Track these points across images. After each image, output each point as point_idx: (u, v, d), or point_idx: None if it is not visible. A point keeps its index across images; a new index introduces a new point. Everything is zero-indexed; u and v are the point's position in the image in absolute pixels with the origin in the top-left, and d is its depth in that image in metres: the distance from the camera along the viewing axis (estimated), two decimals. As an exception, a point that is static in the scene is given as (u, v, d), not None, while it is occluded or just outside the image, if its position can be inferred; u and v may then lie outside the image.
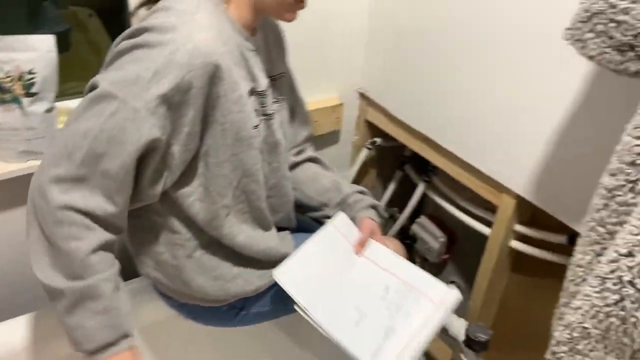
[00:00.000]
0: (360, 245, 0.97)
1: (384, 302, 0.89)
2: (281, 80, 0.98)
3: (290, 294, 0.84)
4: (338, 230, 0.97)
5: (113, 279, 0.72)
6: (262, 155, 0.88)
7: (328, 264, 0.92)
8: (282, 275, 0.86)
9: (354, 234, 0.98)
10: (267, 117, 0.89)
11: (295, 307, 0.84)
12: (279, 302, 0.96)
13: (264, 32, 0.92)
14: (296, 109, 1.06)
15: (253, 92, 0.84)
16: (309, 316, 0.83)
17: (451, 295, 0.89)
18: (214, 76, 0.74)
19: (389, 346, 0.82)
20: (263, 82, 0.87)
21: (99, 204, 0.70)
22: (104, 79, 0.70)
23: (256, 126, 0.84)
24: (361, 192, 1.05)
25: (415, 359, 0.80)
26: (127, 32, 0.74)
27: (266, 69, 0.90)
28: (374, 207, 1.03)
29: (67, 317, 0.69)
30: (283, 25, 1.01)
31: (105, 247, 0.71)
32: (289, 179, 1.00)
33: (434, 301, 0.88)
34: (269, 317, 1.00)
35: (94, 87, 0.70)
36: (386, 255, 0.96)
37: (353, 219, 1.00)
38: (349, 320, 0.85)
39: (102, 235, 0.71)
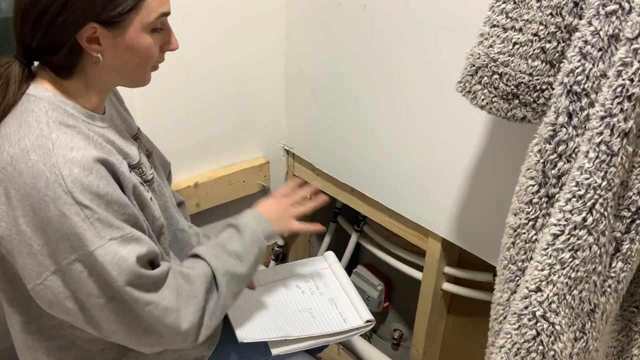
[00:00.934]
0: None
1: (306, 293, 1.08)
2: (140, 132, 0.94)
3: (263, 340, 0.95)
4: None
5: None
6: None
7: (254, 307, 1.03)
8: (245, 335, 0.95)
9: None
10: (149, 182, 0.85)
11: (271, 346, 0.95)
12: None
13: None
14: (155, 150, 1.01)
15: (130, 168, 0.80)
16: (286, 341, 0.96)
17: (329, 255, 1.18)
18: None
19: (344, 309, 1.04)
20: (133, 152, 0.83)
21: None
22: None
23: (151, 198, 0.82)
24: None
25: (361, 303, 1.06)
26: None
27: (127, 130, 0.88)
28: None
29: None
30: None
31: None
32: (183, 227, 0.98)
33: (326, 267, 1.16)
34: None
35: None
36: (270, 271, 1.14)
37: None
38: (307, 319, 1.02)
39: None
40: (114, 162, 0.72)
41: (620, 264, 0.63)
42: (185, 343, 0.80)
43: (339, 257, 1.57)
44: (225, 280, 0.84)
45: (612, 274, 0.63)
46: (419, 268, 1.29)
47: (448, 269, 1.20)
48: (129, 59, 0.75)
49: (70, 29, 0.69)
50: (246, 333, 0.95)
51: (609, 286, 0.64)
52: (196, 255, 0.86)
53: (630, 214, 0.60)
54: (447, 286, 1.22)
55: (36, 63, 0.75)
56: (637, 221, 0.61)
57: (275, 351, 0.95)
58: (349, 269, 1.57)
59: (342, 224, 1.58)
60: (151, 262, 0.75)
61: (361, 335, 1.41)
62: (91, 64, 0.73)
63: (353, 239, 1.51)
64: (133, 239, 0.72)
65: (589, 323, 0.65)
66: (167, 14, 0.75)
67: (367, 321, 1.01)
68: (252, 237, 0.91)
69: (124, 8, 0.70)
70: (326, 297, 1.07)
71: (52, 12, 0.68)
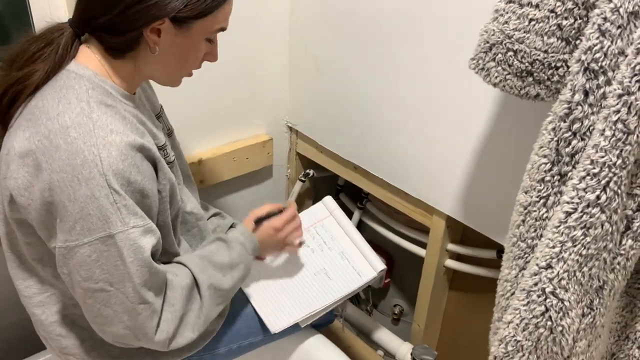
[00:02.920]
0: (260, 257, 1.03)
1: (316, 252, 1.09)
2: (162, 110, 0.96)
3: (294, 322, 0.98)
4: None
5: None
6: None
7: (269, 286, 1.04)
8: (276, 324, 0.98)
9: None
10: (171, 164, 0.87)
11: (301, 323, 1.00)
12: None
13: None
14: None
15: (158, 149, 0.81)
16: (310, 313, 1.00)
17: (328, 201, 1.18)
18: None
19: (356, 262, 1.07)
20: (160, 134, 0.85)
21: None
22: None
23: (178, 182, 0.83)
24: (215, 215, 1.10)
25: (370, 251, 1.09)
26: None
27: (152, 109, 0.90)
28: (232, 225, 1.08)
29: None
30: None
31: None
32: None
33: (327, 215, 1.15)
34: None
35: None
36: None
37: None
38: (325, 282, 1.04)
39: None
40: (151, 148, 0.74)
41: (630, 242, 0.63)
42: (152, 347, 0.79)
43: (341, 234, 1.58)
44: (209, 293, 0.84)
45: (622, 252, 0.64)
46: (421, 245, 1.30)
47: (451, 246, 1.21)
48: (179, 58, 0.78)
49: (146, 18, 0.70)
50: (276, 323, 0.98)
51: (619, 263, 0.64)
52: (181, 263, 0.85)
53: (642, 192, 0.61)
54: (450, 263, 1.23)
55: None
56: (649, 199, 0.61)
57: (304, 324, 1.00)
58: (351, 246, 1.59)
59: (345, 201, 1.59)
60: (153, 254, 0.75)
61: (362, 310, 1.43)
62: (144, 52, 0.75)
63: (355, 216, 1.52)
64: (151, 230, 0.74)
65: (597, 299, 0.66)
66: (224, 29, 0.80)
67: (380, 271, 1.05)
68: (240, 254, 0.91)
69: (200, 12, 0.73)
70: (335, 251, 1.09)
71: None
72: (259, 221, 0.97)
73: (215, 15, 0.75)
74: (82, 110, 0.69)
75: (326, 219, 1.13)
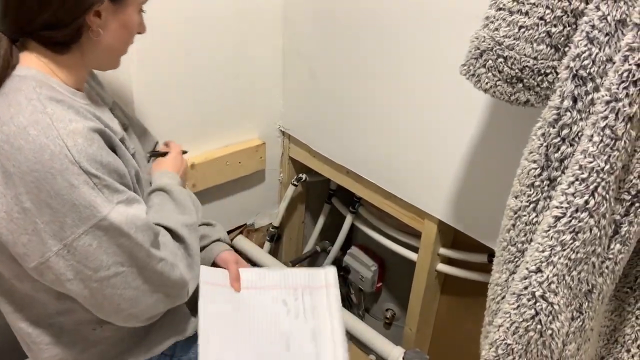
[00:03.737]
0: (237, 281, 0.97)
1: (291, 314, 0.96)
2: (114, 104, 0.94)
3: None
4: (208, 283, 0.95)
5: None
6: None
7: (229, 321, 0.93)
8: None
9: (223, 275, 0.99)
10: (132, 156, 0.85)
11: None
12: None
13: None
14: (133, 121, 1.02)
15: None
16: None
17: (330, 273, 1.01)
18: None
19: (321, 349, 0.92)
20: (116, 126, 0.84)
21: None
22: None
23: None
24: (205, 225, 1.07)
25: (344, 342, 0.93)
26: None
27: (106, 103, 0.89)
28: (219, 239, 1.04)
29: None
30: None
31: None
32: None
33: (321, 286, 1.00)
34: None
35: None
36: (261, 275, 1.01)
37: (209, 258, 1.01)
38: (281, 349, 0.91)
39: None
40: (111, 134, 0.74)
41: (618, 246, 0.64)
42: (184, 298, 0.83)
43: (333, 238, 1.59)
44: (187, 231, 0.86)
45: (610, 256, 0.65)
46: (413, 249, 1.31)
47: (443, 250, 1.21)
48: (121, 35, 0.78)
49: (86, 4, 0.70)
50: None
51: (607, 267, 0.65)
52: None
53: (630, 197, 0.62)
54: (442, 267, 1.24)
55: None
56: (637, 204, 0.62)
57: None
58: (344, 250, 1.59)
59: (337, 206, 1.59)
60: None
61: (355, 314, 1.43)
62: (89, 40, 0.74)
63: (348, 220, 1.52)
64: (136, 199, 0.75)
65: (586, 303, 0.67)
66: None
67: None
68: (181, 191, 0.92)
69: None
70: (309, 326, 0.95)
71: None
72: (153, 155, 1.02)
73: None
74: (35, 107, 0.68)
75: (318, 289, 1.01)
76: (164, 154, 1.02)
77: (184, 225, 0.86)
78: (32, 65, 0.72)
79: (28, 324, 0.81)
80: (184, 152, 1.06)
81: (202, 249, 0.99)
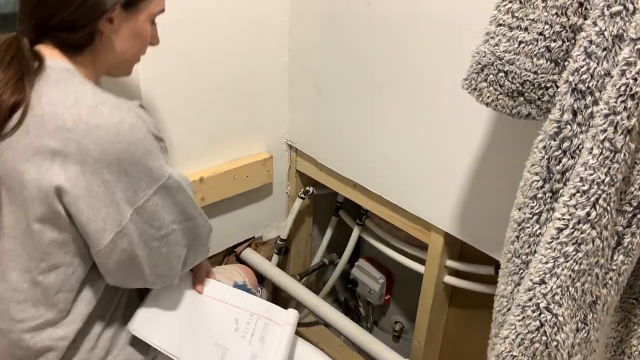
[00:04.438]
0: (200, 285, 1.00)
1: (238, 333, 0.96)
2: None
3: (153, 345, 0.86)
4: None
5: None
6: None
7: (177, 308, 0.95)
8: (140, 326, 0.86)
9: (189, 276, 1.02)
10: None
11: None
12: None
13: None
14: None
15: None
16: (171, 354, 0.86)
17: (291, 315, 1.03)
18: None
19: None
20: None
21: None
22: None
23: None
24: None
25: None
26: None
27: None
28: None
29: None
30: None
31: None
32: None
33: (279, 323, 1.01)
34: None
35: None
36: (228, 291, 1.03)
37: None
38: (215, 357, 0.91)
39: None
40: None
41: (621, 257, 0.64)
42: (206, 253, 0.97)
43: (341, 250, 1.60)
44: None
45: (614, 267, 0.65)
46: (420, 261, 1.31)
47: (450, 262, 1.22)
48: (132, 43, 0.81)
49: (101, 9, 0.73)
50: (142, 327, 0.86)
51: (611, 278, 0.66)
52: None
53: (631, 208, 0.62)
54: (449, 279, 1.24)
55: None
56: (638, 215, 0.62)
57: (139, 324, 0.86)
58: (351, 262, 1.60)
59: (344, 218, 1.60)
60: None
61: (363, 327, 1.43)
62: (102, 44, 0.78)
63: (355, 232, 1.53)
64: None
65: (591, 314, 0.67)
66: (164, 10, 0.84)
67: None
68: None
69: None
70: (250, 350, 0.94)
71: None
72: None
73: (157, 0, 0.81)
74: (94, 90, 0.74)
75: (275, 324, 1.00)
76: None
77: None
78: (65, 60, 0.76)
79: (32, 334, 0.79)
80: None
81: None
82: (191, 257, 0.90)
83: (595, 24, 0.58)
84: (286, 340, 0.98)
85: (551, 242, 0.64)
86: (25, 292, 0.77)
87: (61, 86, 0.73)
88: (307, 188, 1.54)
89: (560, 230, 0.62)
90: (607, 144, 0.57)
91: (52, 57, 0.76)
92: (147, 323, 0.88)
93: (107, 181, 0.71)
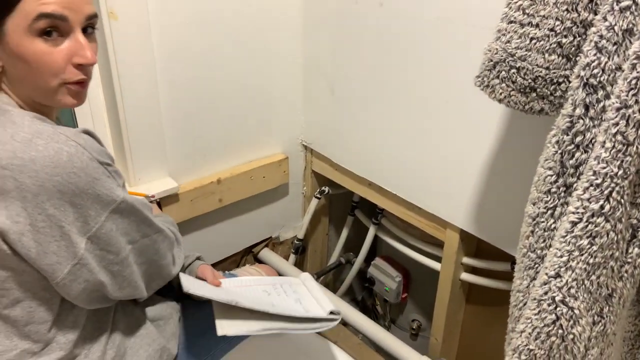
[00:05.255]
0: (216, 280, 0.99)
1: (272, 296, 1.01)
2: None
3: (206, 297, 0.89)
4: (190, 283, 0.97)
5: None
6: None
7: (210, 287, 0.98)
8: (226, 328, 0.87)
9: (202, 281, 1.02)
10: None
11: (217, 315, 0.89)
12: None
13: None
14: None
15: None
16: (234, 312, 0.89)
17: (305, 275, 1.09)
18: None
19: (308, 306, 0.97)
20: None
21: None
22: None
23: None
24: None
25: (327, 302, 0.97)
26: None
27: None
28: (199, 258, 1.05)
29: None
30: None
31: None
32: None
33: (299, 283, 1.07)
34: None
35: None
36: (240, 279, 1.07)
37: (192, 272, 1.02)
38: (265, 299, 0.97)
39: None
40: (95, 134, 0.75)
41: (636, 250, 0.65)
42: (171, 276, 0.91)
43: (357, 249, 1.61)
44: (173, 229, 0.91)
45: (629, 260, 0.65)
46: (437, 259, 1.32)
47: (466, 259, 1.22)
48: (22, 67, 0.70)
49: None
50: (191, 284, 0.90)
51: (626, 271, 0.66)
52: None
53: (646, 201, 0.62)
54: (465, 276, 1.24)
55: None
56: (653, 208, 0.63)
57: (221, 325, 0.86)
58: (367, 261, 1.61)
59: (360, 217, 1.61)
60: None
61: (381, 325, 1.44)
62: (2, 74, 0.72)
63: (371, 231, 1.54)
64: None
65: (607, 307, 0.68)
66: (48, 15, 0.67)
67: (331, 312, 0.94)
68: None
69: (5, 9, 0.66)
70: (292, 298, 1.00)
71: None
72: None
73: (22, 5, 0.66)
74: (32, 121, 0.69)
75: (295, 285, 1.07)
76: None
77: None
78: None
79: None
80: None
81: (185, 267, 1.01)
82: (157, 271, 0.87)
83: (605, 19, 0.59)
84: (316, 287, 1.04)
85: (566, 235, 0.64)
86: None
87: (0, 121, 0.69)
88: (323, 188, 1.55)
89: (574, 223, 0.63)
90: (619, 137, 0.58)
91: None
92: (192, 283, 0.92)
93: (52, 215, 0.68)
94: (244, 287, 1.04)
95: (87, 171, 0.69)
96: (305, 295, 1.02)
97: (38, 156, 0.67)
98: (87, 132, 0.74)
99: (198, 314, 0.99)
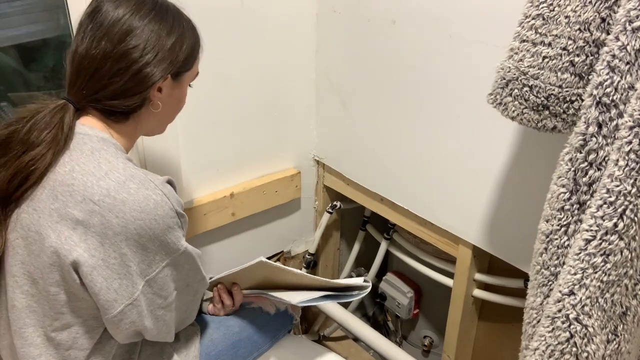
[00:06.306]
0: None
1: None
2: None
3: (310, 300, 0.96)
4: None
5: None
6: None
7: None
8: (298, 299, 0.97)
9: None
10: None
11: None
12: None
13: None
14: None
15: None
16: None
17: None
18: None
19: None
20: None
21: None
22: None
23: None
24: None
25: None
26: None
27: None
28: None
29: None
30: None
31: None
32: None
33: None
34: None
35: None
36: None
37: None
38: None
39: None
40: (174, 182, 0.83)
41: (651, 268, 0.65)
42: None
43: (369, 264, 1.61)
44: None
45: (644, 278, 0.65)
46: (449, 275, 1.32)
47: (478, 276, 1.22)
48: (174, 108, 0.86)
49: (153, 78, 0.76)
50: (297, 297, 0.98)
51: (641, 289, 0.66)
52: None
53: (660, 219, 0.62)
54: (478, 292, 1.24)
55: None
56: (668, 226, 0.63)
57: (297, 298, 0.96)
58: (379, 276, 1.60)
59: (371, 232, 1.61)
60: None
61: (392, 341, 1.43)
62: (147, 111, 0.81)
63: (383, 246, 1.54)
64: None
65: (621, 325, 0.67)
66: (198, 73, 0.88)
67: (365, 281, 1.04)
68: None
69: (192, 62, 0.83)
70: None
71: (143, 62, 0.75)
72: None
73: (197, 63, 0.85)
74: (125, 165, 0.75)
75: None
76: None
77: None
78: (103, 129, 0.79)
79: None
80: None
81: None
82: (189, 316, 0.92)
83: (617, 38, 0.59)
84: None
85: (579, 253, 0.64)
86: (40, 348, 0.78)
87: (95, 157, 0.74)
88: (335, 203, 1.56)
89: (588, 241, 0.63)
90: (632, 156, 0.58)
91: (92, 124, 0.78)
92: (294, 295, 0.99)
93: (125, 254, 0.72)
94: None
95: (166, 220, 0.74)
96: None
97: (129, 199, 0.72)
98: (170, 183, 0.80)
99: (216, 333, 1.00)
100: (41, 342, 0.78)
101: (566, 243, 0.70)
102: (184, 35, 0.80)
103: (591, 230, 0.63)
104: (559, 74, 0.69)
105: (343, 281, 1.03)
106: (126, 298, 0.75)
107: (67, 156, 0.74)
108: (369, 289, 1.03)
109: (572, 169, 0.67)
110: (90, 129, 0.77)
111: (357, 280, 1.04)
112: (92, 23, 0.75)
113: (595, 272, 0.63)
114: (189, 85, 0.88)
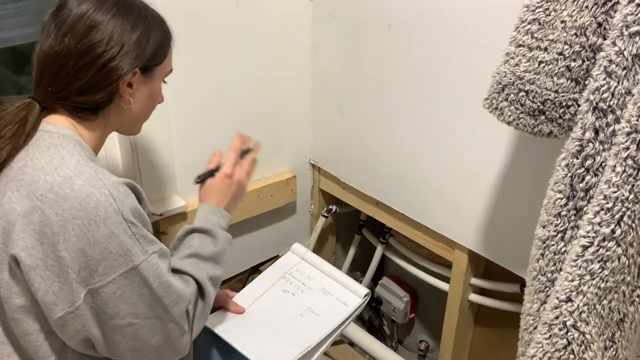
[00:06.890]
0: (237, 307, 1.05)
1: (296, 295, 1.07)
2: None
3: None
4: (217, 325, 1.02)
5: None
6: None
7: (243, 320, 1.04)
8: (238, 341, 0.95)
9: (223, 314, 1.05)
10: None
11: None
12: None
13: None
14: None
15: None
16: (310, 352, 0.95)
17: (296, 249, 1.16)
18: None
19: (339, 294, 1.06)
20: None
21: None
22: None
23: None
24: None
25: (351, 281, 1.09)
26: None
27: None
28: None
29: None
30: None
31: None
32: None
33: (298, 260, 1.14)
34: None
35: None
36: (251, 288, 1.10)
37: None
38: (312, 319, 1.02)
39: None
40: (140, 189, 0.77)
41: (649, 275, 0.64)
42: (182, 354, 0.82)
43: (365, 268, 1.60)
44: (210, 284, 0.86)
45: (641, 284, 0.65)
46: (445, 279, 1.31)
47: (474, 280, 1.21)
48: (147, 103, 0.84)
49: (119, 72, 0.75)
50: (232, 337, 0.95)
51: (638, 296, 0.65)
52: (178, 271, 0.83)
53: (657, 225, 0.62)
54: (474, 297, 1.23)
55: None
56: (665, 232, 0.62)
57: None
58: (375, 281, 1.60)
59: (367, 236, 1.61)
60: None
61: (388, 346, 1.43)
62: (117, 107, 0.79)
63: (378, 250, 1.53)
64: (165, 252, 0.77)
65: (618, 332, 0.67)
66: (172, 70, 0.87)
67: (365, 295, 1.05)
68: (223, 238, 0.92)
69: (163, 57, 0.81)
70: (316, 289, 1.07)
71: (107, 56, 0.73)
72: (201, 181, 0.97)
73: (169, 57, 0.83)
74: (78, 161, 0.72)
75: (299, 264, 1.12)
76: (212, 173, 0.98)
77: (210, 278, 0.86)
78: (68, 125, 0.76)
79: None
80: (244, 152, 1.02)
81: None
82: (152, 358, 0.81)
83: (614, 43, 0.59)
84: (317, 260, 1.12)
85: (577, 259, 0.64)
86: (7, 348, 0.77)
87: (50, 152, 0.72)
88: (330, 206, 1.55)
89: (585, 247, 0.63)
90: (629, 162, 0.58)
91: (58, 122, 0.76)
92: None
93: (62, 258, 0.68)
94: (264, 297, 1.06)
95: (108, 224, 0.69)
96: (325, 281, 1.08)
97: (70, 195, 0.68)
98: (130, 185, 0.74)
99: (206, 354, 0.98)
100: (8, 343, 0.77)
101: (563, 249, 0.70)
102: (150, 29, 0.78)
103: (588, 236, 0.62)
104: (555, 78, 0.69)
105: (349, 307, 1.02)
106: (67, 304, 0.70)
107: (23, 152, 0.73)
108: (367, 299, 1.03)
109: (569, 174, 0.67)
110: (53, 127, 0.75)
111: (357, 301, 1.03)
112: (56, 20, 0.74)
113: (593, 279, 0.63)
114: (164, 82, 0.86)
